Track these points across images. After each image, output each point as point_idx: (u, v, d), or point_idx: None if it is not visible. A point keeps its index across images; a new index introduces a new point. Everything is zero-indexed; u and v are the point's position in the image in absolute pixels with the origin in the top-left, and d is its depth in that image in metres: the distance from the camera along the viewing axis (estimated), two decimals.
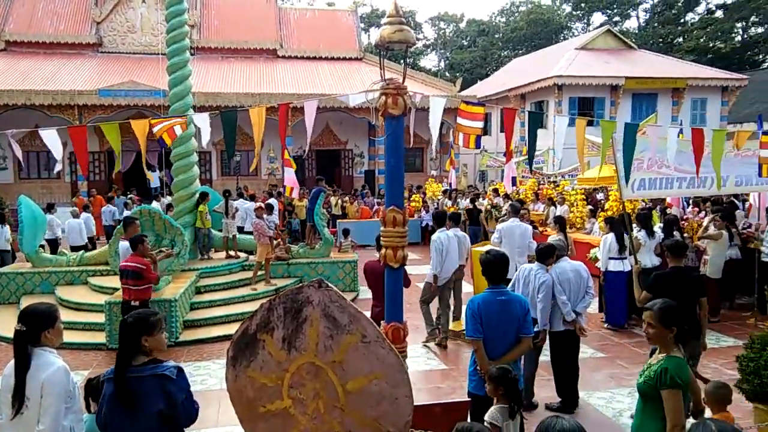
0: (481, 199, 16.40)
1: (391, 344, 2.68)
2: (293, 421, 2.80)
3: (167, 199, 15.13)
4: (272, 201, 15.26)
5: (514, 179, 18.76)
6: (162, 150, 15.30)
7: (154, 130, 6.06)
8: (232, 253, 11.30)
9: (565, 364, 5.98)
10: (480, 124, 5.04)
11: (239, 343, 2.93)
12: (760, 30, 43.73)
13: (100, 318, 8.28)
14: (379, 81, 3.94)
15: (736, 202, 12.14)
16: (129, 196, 18.92)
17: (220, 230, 11.59)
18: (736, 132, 6.12)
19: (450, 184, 17.88)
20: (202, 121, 5.15)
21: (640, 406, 3.33)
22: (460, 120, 5.07)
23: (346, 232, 13.36)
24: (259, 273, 10.28)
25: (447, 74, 51.05)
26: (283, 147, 5.83)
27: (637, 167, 5.81)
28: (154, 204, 14.94)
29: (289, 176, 12.54)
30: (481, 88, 32.70)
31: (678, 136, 5.84)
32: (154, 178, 19.19)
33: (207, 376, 6.99)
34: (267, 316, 2.81)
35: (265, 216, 10.69)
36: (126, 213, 13.49)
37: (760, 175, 5.46)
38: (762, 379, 4.63)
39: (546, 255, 5.84)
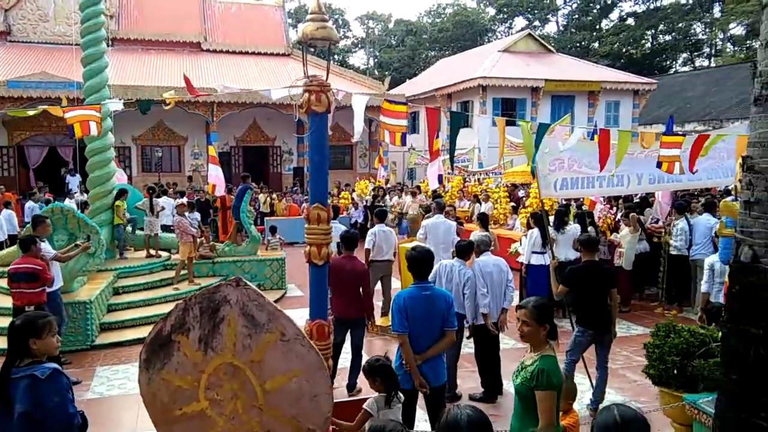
0: (404, 196, 16.58)
1: (311, 342, 2.67)
2: (210, 423, 2.75)
3: (84, 197, 14.36)
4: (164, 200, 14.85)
5: (440, 177, 19.22)
6: (77, 145, 14.54)
7: (66, 116, 5.76)
8: (152, 252, 10.90)
9: (489, 355, 6.18)
10: (404, 122, 5.10)
11: (153, 345, 2.83)
12: (667, 38, 46.59)
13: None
14: (303, 77, 3.93)
15: (650, 199, 12.85)
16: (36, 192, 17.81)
17: (142, 228, 11.16)
18: (640, 133, 6.49)
19: (387, 181, 18.03)
20: (114, 106, 4.93)
21: (518, 407, 3.31)
22: (383, 118, 5.11)
23: (273, 230, 13.15)
24: (182, 272, 9.98)
25: (376, 72, 51.27)
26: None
27: (558, 167, 6.05)
28: (68, 201, 14.17)
29: (213, 173, 12.23)
30: (409, 87, 33.04)
31: (593, 137, 6.13)
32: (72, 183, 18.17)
33: (126, 380, 6.74)
34: (182, 316, 2.74)
35: (187, 213, 10.37)
36: None
37: (658, 167, 5.81)
38: (666, 365, 4.91)
39: (465, 252, 5.99)
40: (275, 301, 10.05)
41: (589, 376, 5.99)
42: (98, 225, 9.48)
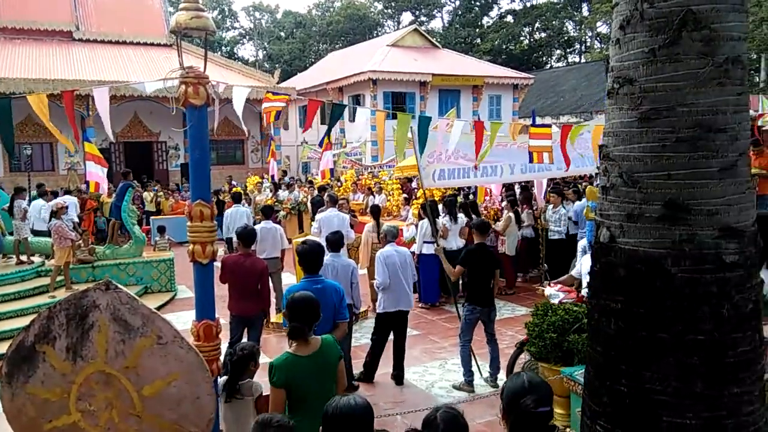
0: (297, 191, 16.44)
1: (191, 343, 2.57)
2: None
3: None
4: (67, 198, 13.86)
5: (332, 170, 19.22)
6: None
7: None
8: (24, 258, 10.03)
9: (395, 343, 6.34)
10: (282, 104, 5.20)
11: (14, 357, 2.60)
12: (543, 35, 49.54)
13: None
14: (178, 69, 3.76)
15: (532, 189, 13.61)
16: None
17: (12, 233, 10.24)
18: (510, 124, 6.90)
19: (272, 177, 17.69)
20: None
21: None
22: (265, 104, 5.12)
23: (161, 230, 12.55)
24: (59, 279, 9.27)
25: (266, 65, 50.23)
26: (77, 137, 5.24)
27: (436, 159, 6.28)
28: None
29: (92, 171, 11.44)
30: (300, 81, 32.70)
31: (470, 130, 6.44)
32: None
33: None
34: (47, 325, 2.54)
35: (63, 216, 9.64)
36: None
37: (530, 161, 6.23)
38: (545, 341, 5.23)
39: (336, 245, 6.06)
40: (164, 304, 9.72)
41: (476, 359, 6.27)
42: None
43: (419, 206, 10.54)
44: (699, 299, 2.53)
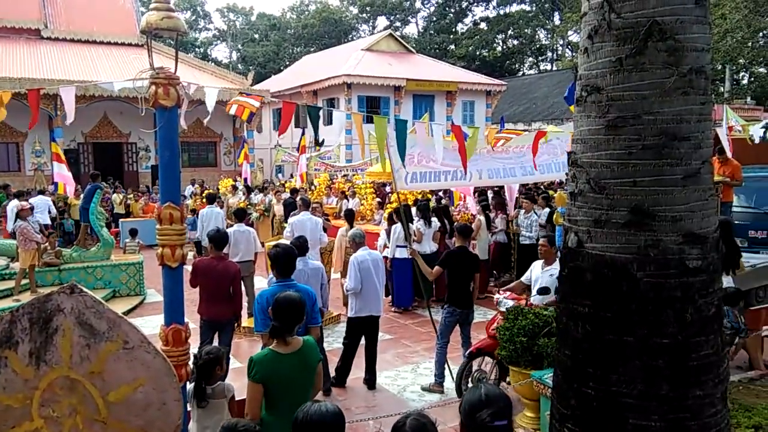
0: (270, 194, 16.33)
1: (158, 348, 2.53)
2: None
3: None
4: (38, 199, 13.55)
5: (308, 174, 19.15)
6: None
7: None
8: None
9: (366, 348, 6.33)
10: (255, 103, 5.17)
11: None
12: (515, 42, 50.18)
13: None
14: (148, 69, 3.71)
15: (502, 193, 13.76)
16: None
17: None
18: (487, 129, 6.99)
19: (245, 180, 17.53)
20: None
21: None
22: (237, 97, 5.09)
23: (133, 233, 12.37)
24: (24, 282, 9.03)
25: (240, 67, 49.80)
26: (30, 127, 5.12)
27: (408, 161, 6.32)
28: None
29: (60, 172, 11.20)
30: (274, 83, 32.55)
31: (449, 134, 6.51)
32: None
33: None
34: (9, 329, 2.47)
35: (29, 218, 9.40)
36: None
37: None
38: (516, 345, 5.29)
39: (301, 249, 6.05)
40: (133, 308, 9.55)
41: (447, 363, 6.29)
42: None
43: (390, 212, 10.56)
44: (663, 303, 2.59)
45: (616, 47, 2.65)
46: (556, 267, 5.78)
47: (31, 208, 10.08)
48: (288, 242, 8.76)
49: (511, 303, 5.73)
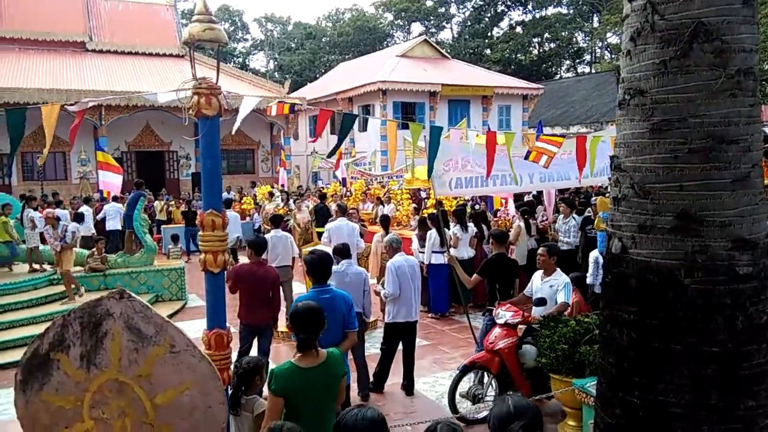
0: (308, 201, 16.48)
1: (203, 352, 2.59)
2: None
3: None
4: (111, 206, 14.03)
5: (344, 180, 19.29)
6: None
7: None
8: (36, 266, 10.11)
9: (404, 353, 6.32)
10: (296, 102, 5.24)
11: (29, 365, 2.63)
12: (552, 45, 49.55)
13: None
14: (191, 80, 3.80)
15: (541, 198, 13.59)
16: None
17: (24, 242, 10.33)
18: (525, 134, 6.91)
19: (282, 186, 17.79)
20: None
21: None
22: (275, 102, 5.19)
23: (175, 238, 12.71)
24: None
25: (276, 75, 50.57)
26: (72, 141, 5.29)
27: (453, 167, 6.30)
28: None
29: (106, 180, 11.54)
30: (310, 91, 32.88)
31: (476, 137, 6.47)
32: None
33: (9, 405, 6.12)
34: (61, 333, 2.56)
35: (67, 223, 9.65)
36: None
37: (526, 158, 6.23)
38: (557, 353, 5.21)
39: (344, 253, 6.05)
40: (175, 313, 9.75)
41: None
42: None
43: (422, 217, 10.50)
44: (712, 310, 2.52)
45: (659, 49, 2.60)
46: (555, 278, 5.62)
47: (58, 218, 10.28)
48: (325, 248, 8.88)
49: (508, 315, 5.53)
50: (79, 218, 9.82)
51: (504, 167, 6.69)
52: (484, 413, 5.30)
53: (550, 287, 5.55)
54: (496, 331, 5.56)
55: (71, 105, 4.53)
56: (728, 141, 2.52)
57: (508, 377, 5.47)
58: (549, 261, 5.66)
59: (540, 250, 5.83)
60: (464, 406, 5.58)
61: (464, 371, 5.58)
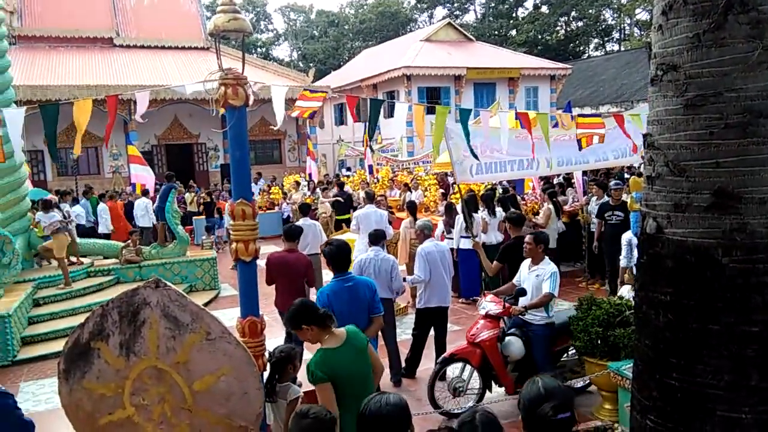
0: (334, 189, 16.54)
1: (239, 339, 2.63)
2: (138, 429, 2.66)
3: None
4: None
5: (371, 167, 19.30)
6: None
7: None
8: (73, 259, 10.39)
9: (436, 338, 6.34)
10: (318, 104, 5.23)
11: (71, 354, 2.71)
12: (579, 24, 48.50)
13: None
14: (218, 71, 3.83)
15: (572, 180, 13.40)
16: None
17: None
18: (558, 114, 6.79)
19: (309, 175, 17.86)
20: (14, 117, 4.58)
21: None
22: (299, 102, 5.18)
23: (209, 229, 12.98)
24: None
25: (300, 65, 50.63)
26: (106, 139, 5.39)
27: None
28: None
29: (137, 173, 11.75)
30: (335, 79, 32.88)
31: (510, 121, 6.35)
32: None
33: (53, 394, 6.39)
34: (100, 322, 2.63)
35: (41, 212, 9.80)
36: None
37: (579, 148, 6.06)
38: (590, 336, 5.16)
39: (378, 239, 6.06)
40: (208, 302, 9.93)
41: None
42: (11, 234, 8.95)
43: (449, 202, 10.41)
44: (752, 289, 2.46)
45: (693, 22, 2.52)
46: (542, 267, 5.34)
47: (56, 204, 10.36)
48: (354, 235, 8.92)
49: (492, 306, 5.40)
50: (46, 206, 9.72)
51: (524, 152, 6.56)
52: (470, 404, 5.26)
53: (537, 276, 5.32)
54: (480, 322, 5.45)
55: (123, 95, 4.61)
56: (766, 115, 2.44)
57: (493, 370, 5.36)
58: (536, 249, 5.38)
59: (527, 238, 5.55)
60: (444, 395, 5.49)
61: (444, 363, 5.48)
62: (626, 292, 5.93)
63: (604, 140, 6.13)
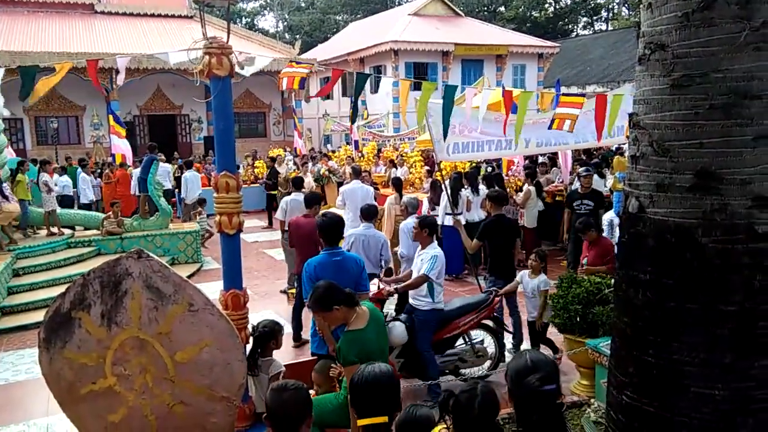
0: (319, 164, 16.49)
1: (221, 311, 2.63)
2: (120, 399, 2.66)
3: None
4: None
5: (356, 142, 19.20)
6: None
7: None
8: (54, 230, 10.27)
9: None
10: (305, 71, 5.18)
11: (51, 323, 2.69)
12: (569, 2, 48.26)
13: None
14: (201, 39, 3.76)
15: (557, 160, 13.44)
16: None
17: (40, 205, 10.46)
18: (541, 93, 6.77)
19: (294, 149, 17.76)
20: None
21: None
22: (286, 69, 5.11)
23: (202, 202, 12.89)
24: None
25: (286, 36, 49.89)
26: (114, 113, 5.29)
27: (450, 132, 6.16)
28: None
29: (118, 144, 11.59)
30: (321, 52, 32.45)
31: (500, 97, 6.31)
32: None
33: (32, 364, 6.36)
34: (81, 292, 2.61)
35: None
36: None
37: (549, 128, 6.02)
38: (570, 313, 5.24)
39: (371, 215, 6.06)
40: (191, 275, 9.89)
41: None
42: None
43: (434, 179, 10.43)
44: (730, 270, 2.50)
45: (682, 1, 2.51)
46: (427, 251, 5.18)
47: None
48: (339, 211, 8.90)
49: (373, 288, 5.20)
50: None
51: (499, 132, 6.53)
52: None
53: (421, 260, 5.21)
54: None
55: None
56: (751, 96, 2.45)
57: None
58: (422, 233, 5.24)
59: (413, 223, 5.44)
60: None
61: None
62: None
63: (580, 123, 6.07)
